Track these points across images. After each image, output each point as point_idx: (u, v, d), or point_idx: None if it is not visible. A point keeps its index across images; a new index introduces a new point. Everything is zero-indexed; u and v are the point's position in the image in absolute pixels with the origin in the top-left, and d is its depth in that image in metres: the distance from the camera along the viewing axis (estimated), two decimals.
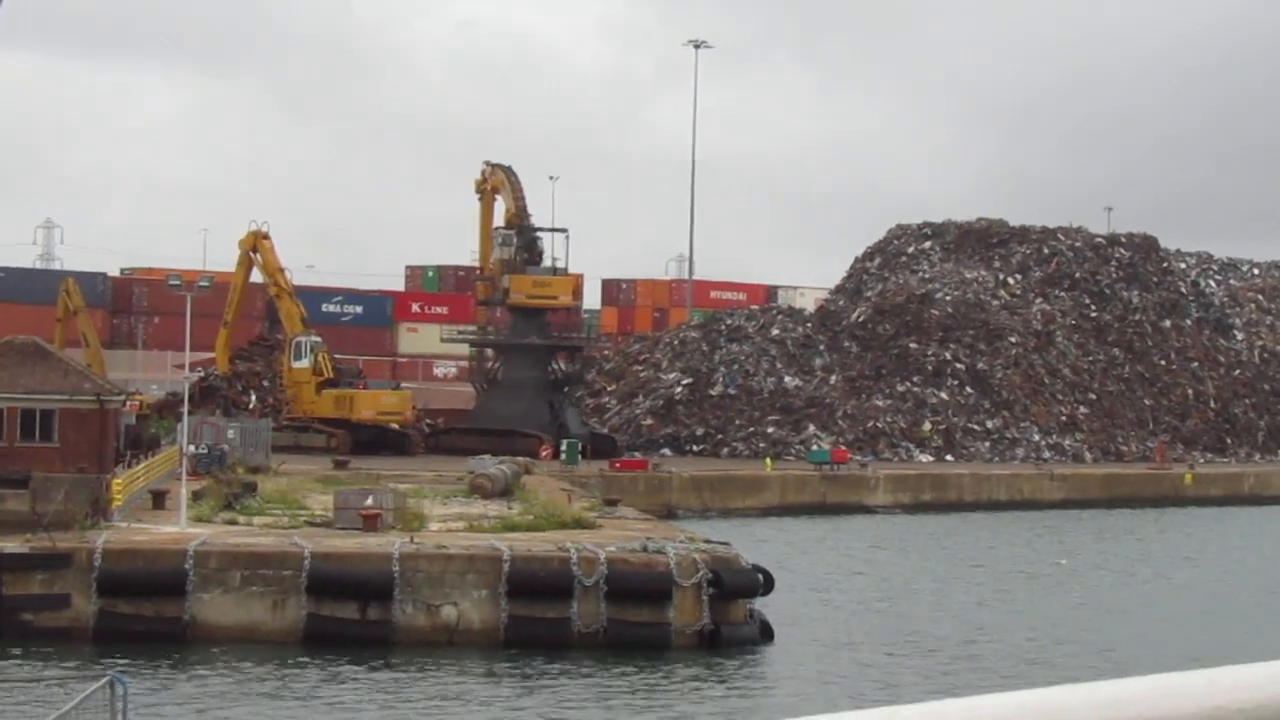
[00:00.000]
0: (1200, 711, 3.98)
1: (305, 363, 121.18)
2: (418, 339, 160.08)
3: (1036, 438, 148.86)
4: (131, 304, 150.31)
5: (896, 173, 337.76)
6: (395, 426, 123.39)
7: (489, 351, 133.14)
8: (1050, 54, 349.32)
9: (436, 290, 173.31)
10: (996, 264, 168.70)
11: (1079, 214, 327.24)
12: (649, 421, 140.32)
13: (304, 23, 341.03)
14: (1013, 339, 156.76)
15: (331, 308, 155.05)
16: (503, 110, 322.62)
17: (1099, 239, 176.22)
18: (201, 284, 75.51)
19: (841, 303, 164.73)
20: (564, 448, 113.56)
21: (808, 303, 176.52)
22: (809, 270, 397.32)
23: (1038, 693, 3.90)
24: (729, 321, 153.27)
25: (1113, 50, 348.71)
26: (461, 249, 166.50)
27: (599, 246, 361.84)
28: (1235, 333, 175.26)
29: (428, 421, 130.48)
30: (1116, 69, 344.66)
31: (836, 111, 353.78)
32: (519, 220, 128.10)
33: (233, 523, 65.06)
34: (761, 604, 60.27)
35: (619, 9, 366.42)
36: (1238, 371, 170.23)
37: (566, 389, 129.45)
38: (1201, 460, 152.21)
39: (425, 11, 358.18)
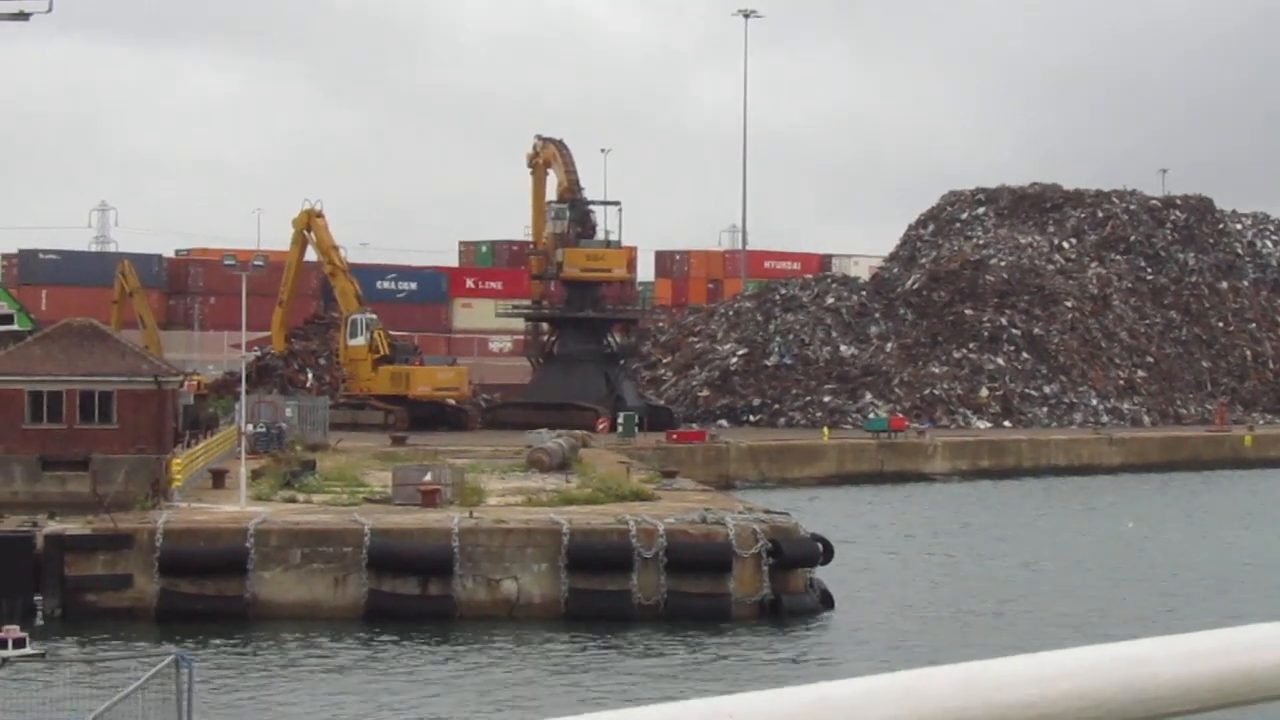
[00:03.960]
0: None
1: (361, 340, 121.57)
2: (472, 314, 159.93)
3: (1094, 402, 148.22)
4: (187, 285, 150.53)
5: (939, 140, 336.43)
6: (452, 402, 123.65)
7: (544, 326, 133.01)
8: (1090, 17, 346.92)
9: (490, 265, 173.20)
10: (1051, 229, 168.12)
11: (1129, 177, 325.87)
12: (705, 393, 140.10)
13: (349, 4, 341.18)
14: (1069, 303, 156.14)
15: (386, 285, 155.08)
16: (548, 84, 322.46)
17: (1153, 201, 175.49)
18: (256, 263, 75.81)
19: (896, 270, 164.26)
20: (621, 420, 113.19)
21: (862, 271, 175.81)
22: (857, 239, 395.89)
23: (1043, 656, 3.85)
24: (783, 291, 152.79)
25: (1154, 10, 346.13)
26: (514, 224, 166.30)
27: (651, 218, 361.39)
28: None
29: (484, 397, 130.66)
30: (1158, 29, 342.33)
31: (875, 80, 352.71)
32: (571, 194, 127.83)
33: (292, 500, 65.16)
34: (821, 573, 60.08)
35: None
36: None
37: (622, 362, 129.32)
38: (1261, 421, 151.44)
39: None
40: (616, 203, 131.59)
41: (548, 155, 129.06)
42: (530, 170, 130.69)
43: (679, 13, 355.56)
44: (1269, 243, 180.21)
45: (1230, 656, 3.85)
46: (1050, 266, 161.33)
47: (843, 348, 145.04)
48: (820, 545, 60.09)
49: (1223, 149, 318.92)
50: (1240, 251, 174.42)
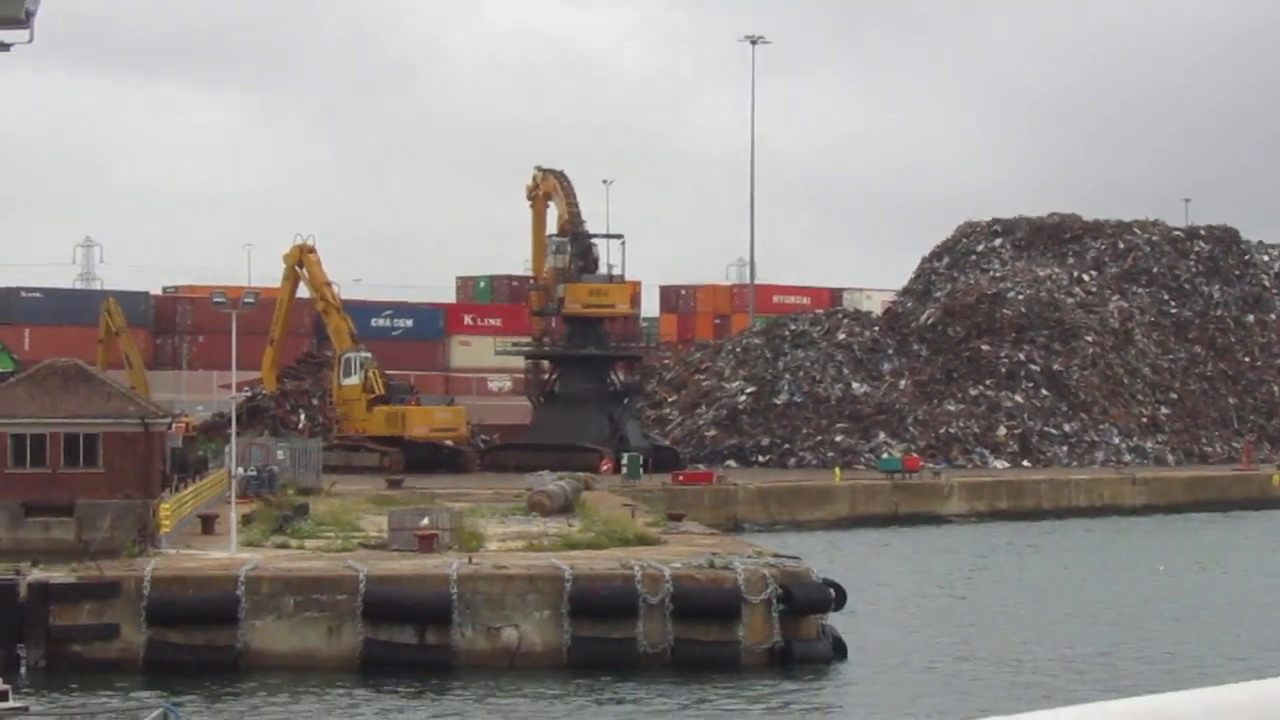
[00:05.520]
0: None
1: (355, 379, 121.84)
2: (471, 352, 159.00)
3: (1116, 440, 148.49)
4: (175, 323, 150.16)
5: (947, 166, 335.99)
6: (450, 443, 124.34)
7: (545, 364, 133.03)
8: (1095, 40, 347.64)
9: (489, 301, 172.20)
10: (1070, 260, 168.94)
11: (1148, 198, 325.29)
12: (713, 432, 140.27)
13: (343, 34, 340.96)
14: (1089, 338, 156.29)
15: (381, 322, 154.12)
16: (548, 115, 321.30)
17: (1177, 232, 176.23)
18: (246, 301, 75.13)
19: (910, 304, 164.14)
20: (625, 461, 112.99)
21: (874, 305, 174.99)
22: (865, 270, 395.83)
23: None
24: (793, 327, 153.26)
25: (1165, 27, 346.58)
26: (514, 258, 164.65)
27: (655, 252, 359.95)
28: None
29: (483, 438, 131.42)
30: (1169, 46, 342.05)
31: (881, 107, 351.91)
32: (573, 227, 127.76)
33: (284, 546, 65.63)
34: (834, 619, 59.71)
35: (656, 10, 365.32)
36: None
37: (626, 400, 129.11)
38: None
39: (463, 16, 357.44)
40: (619, 236, 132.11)
41: (548, 187, 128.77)
42: (530, 203, 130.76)
43: (681, 41, 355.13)
44: None
45: (1257, 710, 4.21)
46: (1070, 300, 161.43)
47: (855, 385, 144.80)
48: (832, 591, 59.73)
49: (1242, 173, 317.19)
50: (1267, 284, 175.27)
